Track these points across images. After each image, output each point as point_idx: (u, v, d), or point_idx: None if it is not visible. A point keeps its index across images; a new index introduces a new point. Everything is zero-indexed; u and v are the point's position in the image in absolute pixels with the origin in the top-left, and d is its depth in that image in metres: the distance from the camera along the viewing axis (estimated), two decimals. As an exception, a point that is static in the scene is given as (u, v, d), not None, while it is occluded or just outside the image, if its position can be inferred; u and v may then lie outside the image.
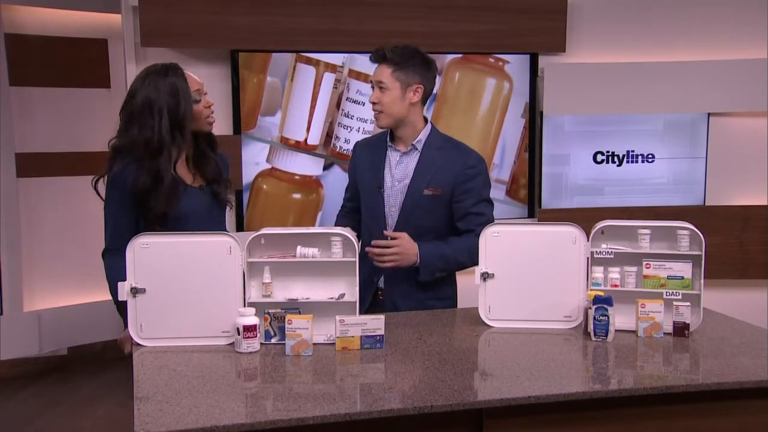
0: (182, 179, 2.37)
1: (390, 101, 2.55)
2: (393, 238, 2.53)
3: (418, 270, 2.55)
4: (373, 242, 2.55)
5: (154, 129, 2.27)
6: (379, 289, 2.66)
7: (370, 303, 2.65)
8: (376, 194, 2.64)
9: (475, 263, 2.36)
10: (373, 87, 2.60)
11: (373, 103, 2.58)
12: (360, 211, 2.75)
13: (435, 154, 2.60)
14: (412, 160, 2.62)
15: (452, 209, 2.60)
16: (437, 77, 2.70)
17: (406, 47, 2.58)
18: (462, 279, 2.72)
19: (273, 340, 2.16)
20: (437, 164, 2.59)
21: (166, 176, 2.29)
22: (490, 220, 2.55)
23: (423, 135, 2.62)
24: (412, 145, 2.61)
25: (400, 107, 2.56)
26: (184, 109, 2.31)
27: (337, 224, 2.79)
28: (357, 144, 2.84)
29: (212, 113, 2.44)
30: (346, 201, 2.86)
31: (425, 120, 2.65)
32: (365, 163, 2.72)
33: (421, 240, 2.56)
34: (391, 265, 2.53)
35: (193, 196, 2.39)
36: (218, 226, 2.46)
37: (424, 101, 2.62)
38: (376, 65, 2.60)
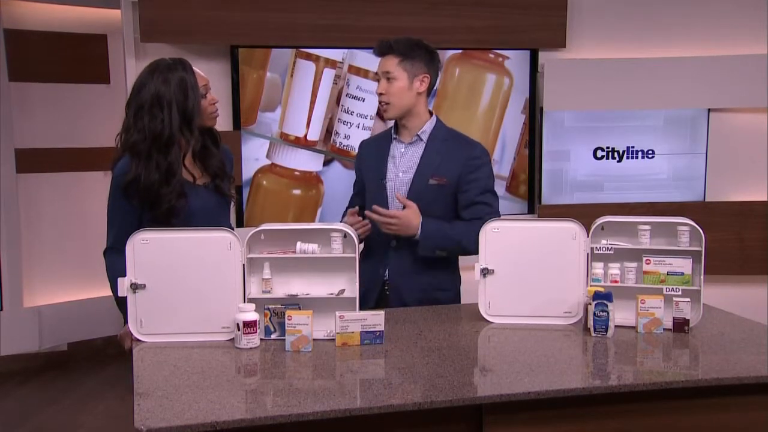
0: (190, 174, 2.37)
1: (398, 91, 2.56)
2: (404, 206, 2.53)
3: (418, 243, 2.55)
4: (377, 209, 2.52)
5: (164, 122, 2.26)
6: (386, 282, 2.65)
7: (376, 299, 2.65)
8: (380, 186, 2.64)
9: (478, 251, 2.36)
10: (379, 79, 2.60)
11: (380, 95, 2.59)
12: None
13: (440, 145, 2.61)
14: (417, 151, 2.62)
15: (457, 199, 2.60)
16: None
17: (410, 39, 2.60)
18: (463, 274, 2.72)
19: (273, 336, 2.16)
20: (442, 155, 2.60)
21: (177, 170, 2.29)
22: (496, 211, 2.58)
23: (428, 126, 2.63)
24: (417, 135, 2.62)
25: (407, 97, 2.57)
26: (192, 103, 2.31)
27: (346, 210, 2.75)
28: (362, 143, 2.86)
29: (216, 110, 2.45)
30: (354, 195, 2.85)
31: (430, 113, 2.66)
32: (370, 158, 2.73)
33: None
34: (391, 231, 2.53)
35: (201, 194, 2.39)
36: (225, 223, 2.46)
37: (429, 92, 2.63)
38: (380, 58, 2.60)
